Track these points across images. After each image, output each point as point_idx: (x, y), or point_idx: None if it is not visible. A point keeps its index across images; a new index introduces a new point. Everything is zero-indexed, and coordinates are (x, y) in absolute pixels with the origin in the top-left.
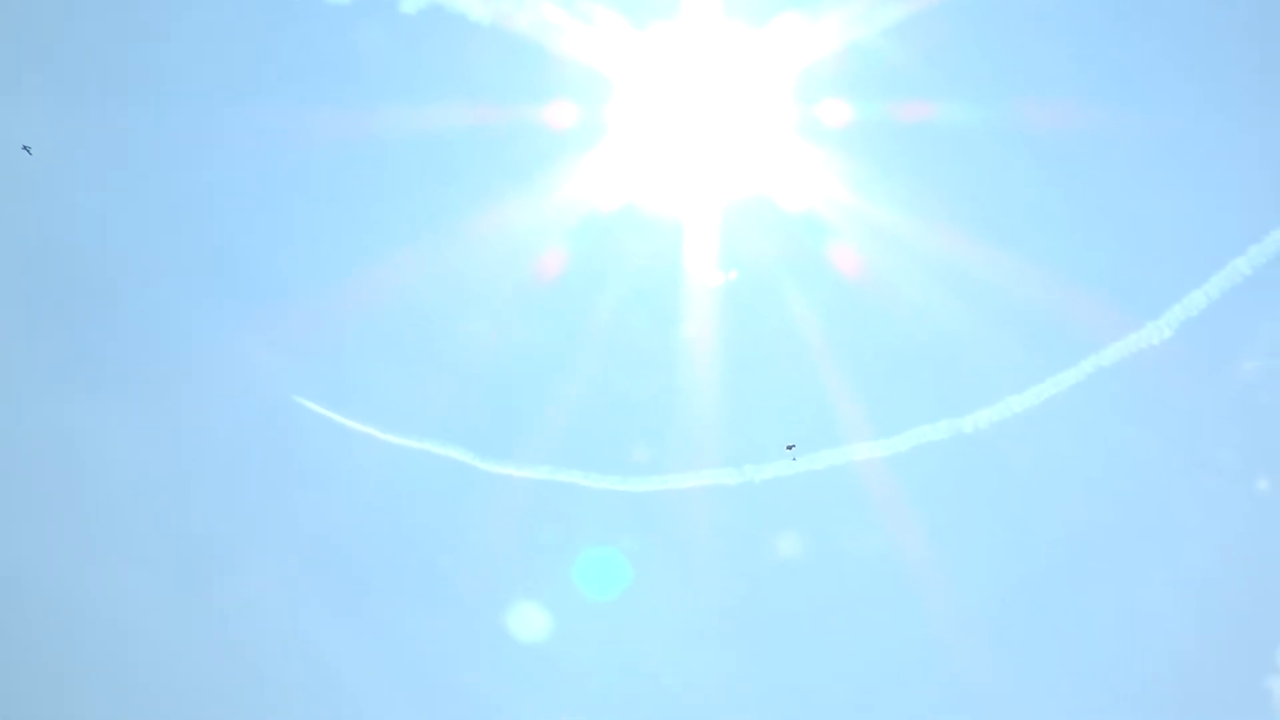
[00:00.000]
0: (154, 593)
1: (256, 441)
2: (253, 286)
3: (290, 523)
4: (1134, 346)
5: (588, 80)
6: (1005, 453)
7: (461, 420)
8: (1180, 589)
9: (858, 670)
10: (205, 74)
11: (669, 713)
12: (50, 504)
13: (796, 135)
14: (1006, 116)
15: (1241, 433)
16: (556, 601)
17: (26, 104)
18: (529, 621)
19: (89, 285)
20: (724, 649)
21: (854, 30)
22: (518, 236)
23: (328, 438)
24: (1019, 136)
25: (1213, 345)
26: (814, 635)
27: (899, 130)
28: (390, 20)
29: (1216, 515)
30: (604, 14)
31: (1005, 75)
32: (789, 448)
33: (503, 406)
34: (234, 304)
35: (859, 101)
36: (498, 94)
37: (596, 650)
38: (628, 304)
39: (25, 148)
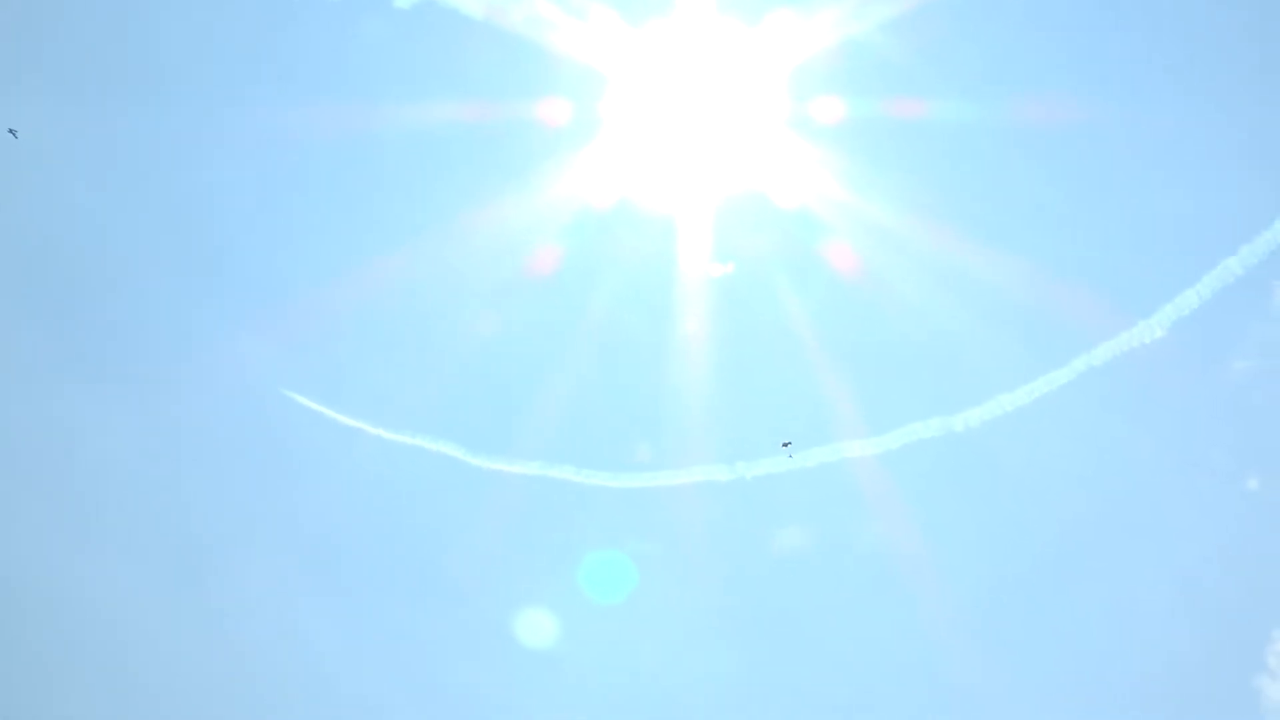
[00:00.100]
0: (144, 584)
1: (250, 436)
2: (246, 282)
3: (282, 517)
4: (1126, 345)
5: (582, 77)
6: (996, 451)
7: (454, 416)
8: (1170, 586)
9: (848, 664)
10: (200, 71)
11: (661, 706)
12: (43, 497)
13: (790, 131)
14: (999, 114)
15: (1232, 431)
16: (548, 597)
17: (23, 101)
18: (521, 616)
19: (83, 280)
20: (714, 643)
21: (847, 27)
22: (511, 232)
23: (321, 433)
24: (1012, 134)
25: (1204, 344)
26: (804, 630)
27: (892, 127)
28: (383, 17)
29: (1207, 513)
30: (598, 10)
31: (998, 73)
32: (785, 444)
33: (496, 402)
34: (227, 299)
35: (852, 98)
36: (491, 90)
37: (588, 644)
38: (621, 300)
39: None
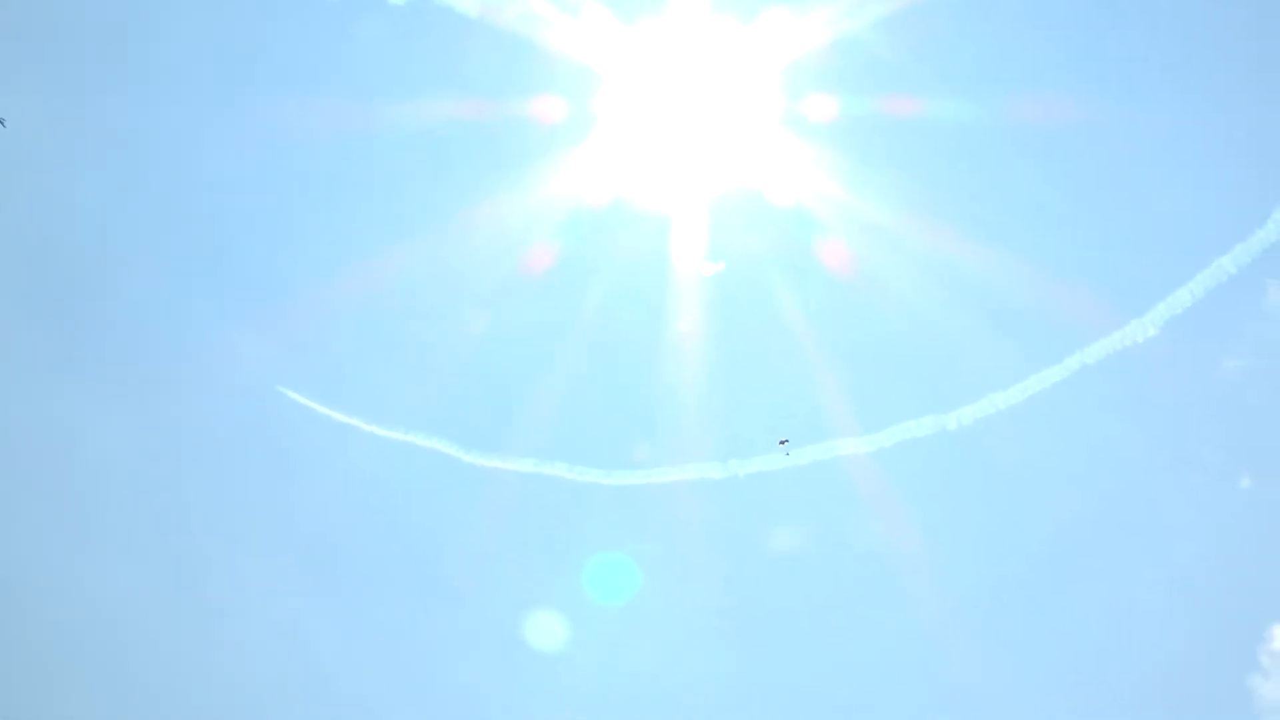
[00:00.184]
0: (138, 580)
1: (245, 433)
2: (241, 280)
3: (277, 514)
4: (1119, 343)
5: (577, 74)
6: (989, 448)
7: (448, 413)
8: (1163, 584)
9: (839, 660)
10: (195, 69)
11: (656, 703)
12: (38, 493)
13: (784, 129)
14: (993, 113)
15: (1225, 429)
16: (542, 594)
17: (19, 95)
18: (514, 614)
19: (79, 277)
20: (706, 639)
21: (842, 25)
22: (506, 230)
23: (317, 430)
24: (1006, 133)
25: (1197, 343)
26: (796, 626)
27: (886, 125)
28: (379, 15)
29: (1199, 511)
30: (592, 8)
31: (992, 72)
32: (782, 442)
33: (490, 399)
34: (222, 297)
35: (846, 96)
36: (486, 88)
37: (581, 641)
38: (616, 297)
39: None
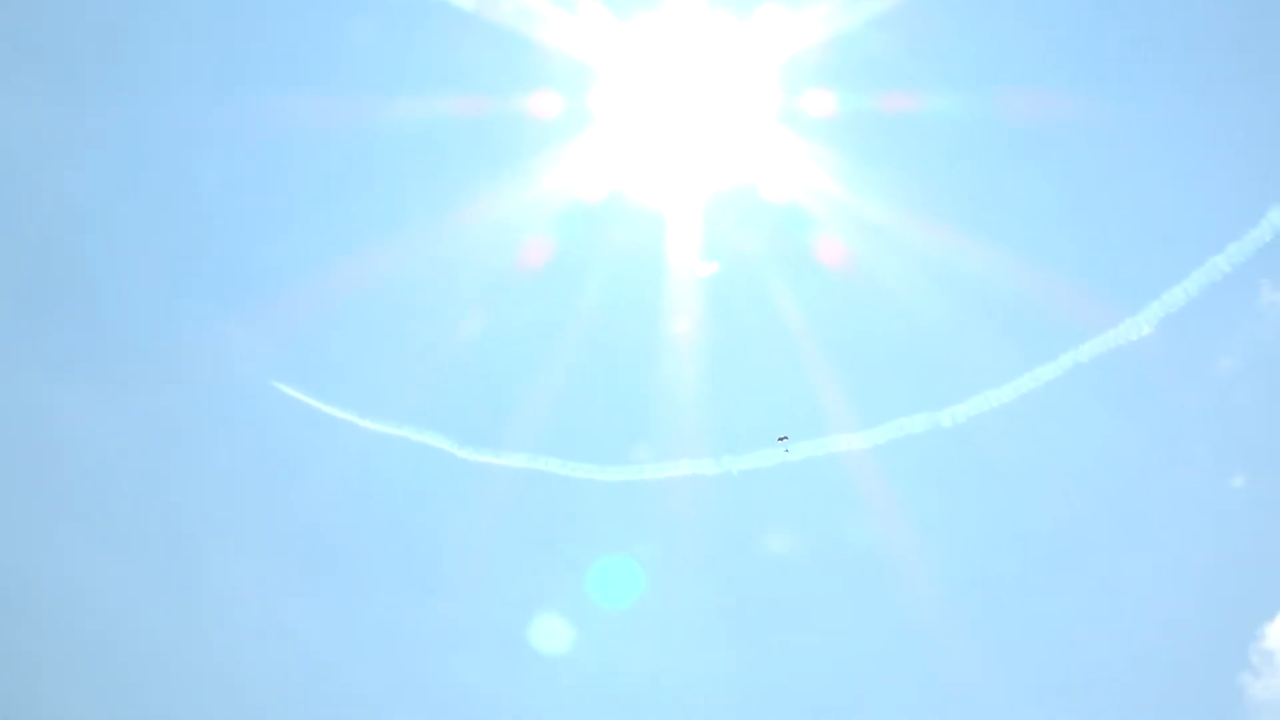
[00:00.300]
0: (128, 576)
1: (238, 428)
2: (234, 275)
3: (270, 509)
4: (1113, 342)
5: (572, 70)
6: (983, 446)
7: (442, 409)
8: (1156, 583)
9: (831, 658)
10: (188, 63)
11: (650, 700)
12: (26, 489)
13: (781, 126)
14: (990, 110)
15: (1219, 429)
16: (536, 590)
17: (7, 90)
18: (508, 610)
19: (68, 271)
20: (698, 636)
21: (839, 21)
22: (501, 226)
23: (310, 426)
24: (1002, 131)
25: (1191, 342)
26: (788, 624)
27: (884, 121)
28: (372, 9)
29: (1193, 511)
30: (587, 3)
31: (989, 69)
32: (781, 439)
33: (483, 395)
34: (215, 292)
35: (844, 93)
36: (480, 83)
37: (575, 637)
38: (611, 294)
39: None
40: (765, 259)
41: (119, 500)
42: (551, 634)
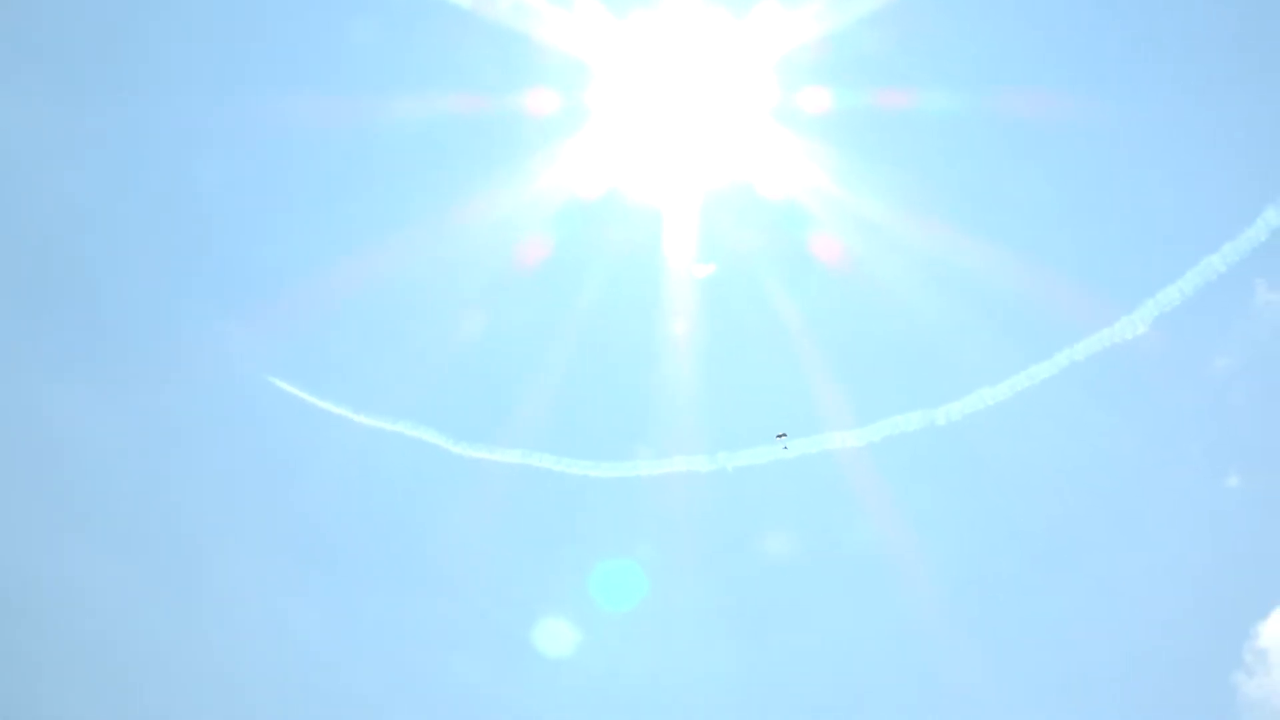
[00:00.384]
0: (124, 572)
1: (236, 426)
2: (233, 273)
3: (267, 504)
4: (1108, 340)
5: (568, 68)
6: (977, 444)
7: (439, 406)
8: (1150, 582)
9: (824, 655)
10: (187, 62)
11: (645, 697)
12: (23, 486)
13: (777, 123)
14: (986, 108)
15: (1213, 428)
16: (531, 587)
17: (4, 88)
18: (503, 606)
19: (66, 268)
20: (692, 634)
21: (835, 18)
22: (497, 223)
23: (307, 423)
24: (999, 129)
25: (1186, 341)
26: (782, 621)
27: (879, 119)
28: (369, 7)
29: (1187, 510)
30: (584, 1)
31: (986, 66)
32: (780, 435)
33: (480, 391)
34: (213, 289)
35: (840, 90)
36: (477, 81)
37: (569, 634)
38: (607, 291)
39: None
40: (761, 256)
41: (116, 496)
42: (549, 633)
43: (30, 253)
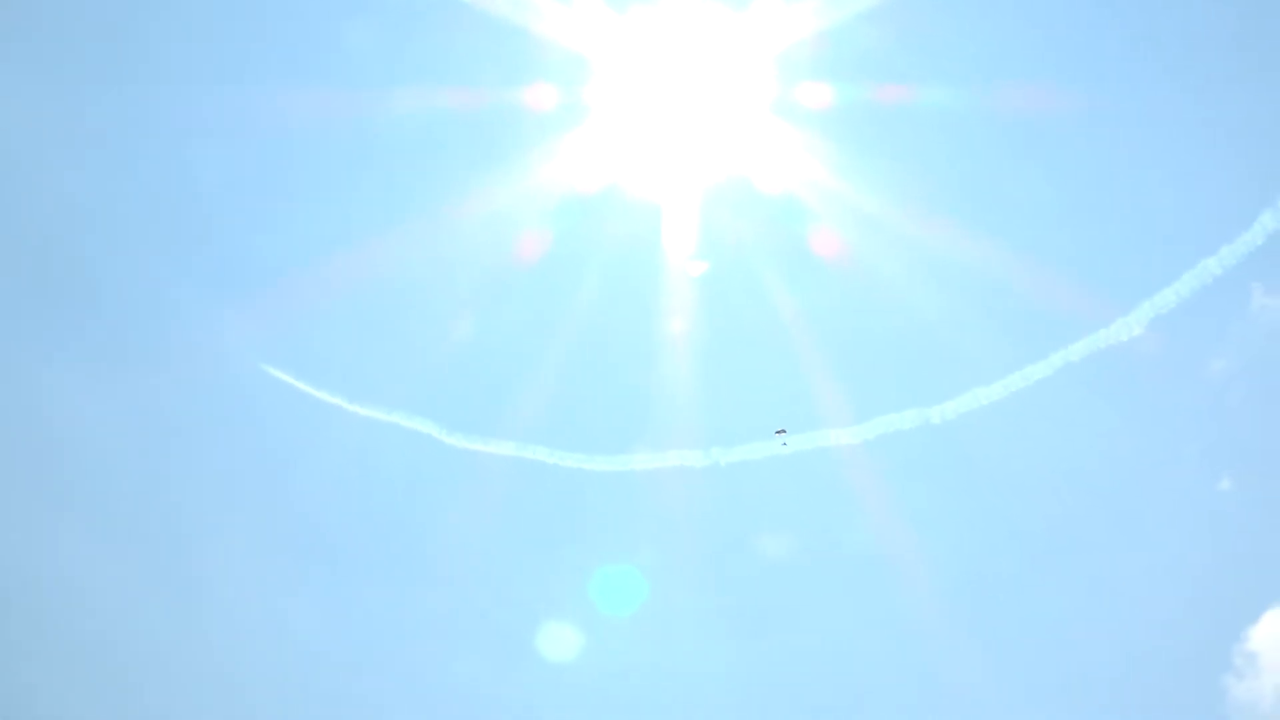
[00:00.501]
0: (120, 563)
1: (233, 418)
2: (231, 266)
3: (264, 495)
4: (1104, 341)
5: (567, 63)
6: (971, 443)
7: (434, 398)
8: (1144, 582)
9: (818, 654)
10: (185, 56)
11: (641, 695)
12: (20, 477)
13: (776, 118)
14: (985, 104)
15: (1208, 430)
16: (528, 585)
17: (3, 79)
18: (499, 603)
19: (64, 259)
20: (687, 632)
21: (834, 13)
22: (496, 217)
23: (308, 418)
24: (998, 126)
25: (1182, 343)
26: (776, 618)
27: (878, 114)
28: (368, 1)
29: (1181, 511)
30: None
31: (985, 62)
32: (779, 432)
33: (476, 385)
34: (212, 282)
35: (839, 85)
36: (476, 76)
37: (566, 632)
38: (605, 285)
39: None
40: (759, 251)
41: (112, 487)
42: (548, 633)
43: (27, 244)
